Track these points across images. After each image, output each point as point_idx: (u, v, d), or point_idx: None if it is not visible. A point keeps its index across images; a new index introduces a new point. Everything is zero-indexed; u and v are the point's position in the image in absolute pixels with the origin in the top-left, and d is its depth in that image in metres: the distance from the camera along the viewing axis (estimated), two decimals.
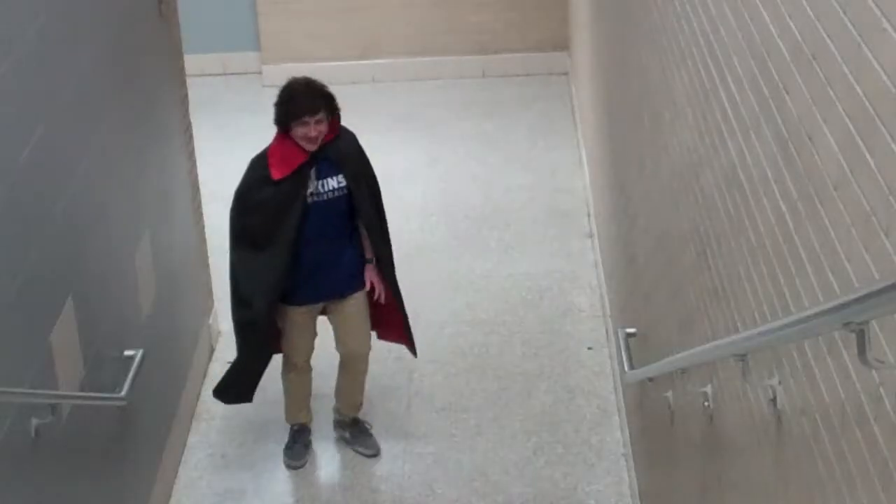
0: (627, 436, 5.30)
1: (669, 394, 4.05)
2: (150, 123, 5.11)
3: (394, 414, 5.61)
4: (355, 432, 5.39)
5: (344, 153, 4.86)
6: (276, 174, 4.76)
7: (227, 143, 8.32)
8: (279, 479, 5.26)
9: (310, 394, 5.33)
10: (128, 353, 4.46)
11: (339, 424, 5.42)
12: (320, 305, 5.08)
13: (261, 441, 5.48)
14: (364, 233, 5.00)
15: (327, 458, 5.39)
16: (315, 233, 4.83)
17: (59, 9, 3.86)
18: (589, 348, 6.07)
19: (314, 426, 5.43)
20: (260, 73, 9.33)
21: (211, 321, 6.10)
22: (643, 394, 4.79)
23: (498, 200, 7.53)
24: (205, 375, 5.91)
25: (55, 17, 3.81)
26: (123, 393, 4.23)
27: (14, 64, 3.40)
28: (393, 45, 9.24)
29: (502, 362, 5.98)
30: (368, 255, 5.03)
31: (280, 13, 9.13)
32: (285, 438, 5.40)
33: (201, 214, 6.02)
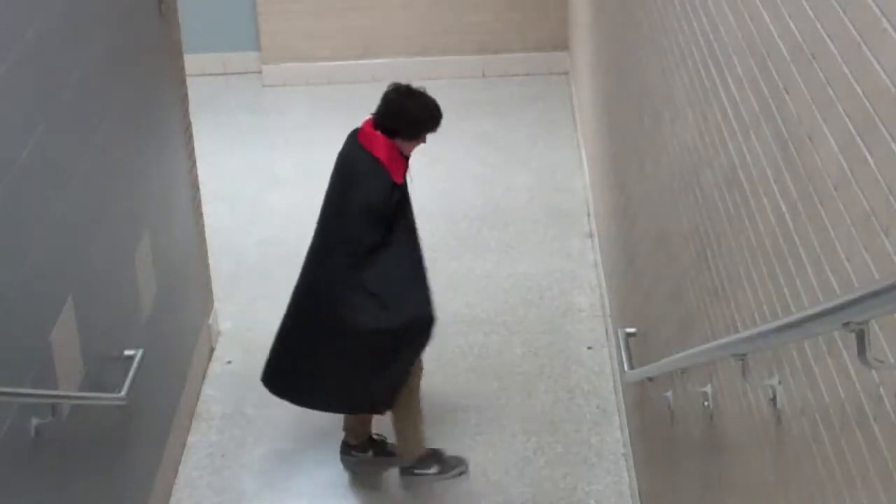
0: (627, 435, 5.30)
1: (669, 394, 4.05)
2: (149, 123, 5.11)
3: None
4: (376, 448, 5.32)
5: None
6: (399, 179, 4.71)
7: (227, 142, 8.34)
8: (279, 479, 5.27)
9: None
10: (128, 352, 4.46)
11: (360, 448, 5.30)
12: None
13: (261, 441, 5.48)
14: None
15: (327, 457, 5.39)
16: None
17: (58, 9, 3.86)
18: (589, 348, 6.07)
19: (315, 424, 5.44)
20: (260, 72, 9.33)
21: (211, 321, 6.10)
22: (643, 394, 4.79)
23: (498, 200, 7.53)
24: (204, 375, 5.91)
25: (55, 17, 3.81)
26: (123, 393, 4.23)
27: (14, 64, 3.40)
28: (393, 45, 9.25)
29: (502, 362, 5.98)
30: None
31: (280, 13, 9.13)
32: (284, 438, 5.42)
33: (201, 214, 6.02)
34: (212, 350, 6.09)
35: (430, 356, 5.86)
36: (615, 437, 5.43)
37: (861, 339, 1.80)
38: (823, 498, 2.23)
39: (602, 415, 5.59)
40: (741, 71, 2.99)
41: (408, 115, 4.68)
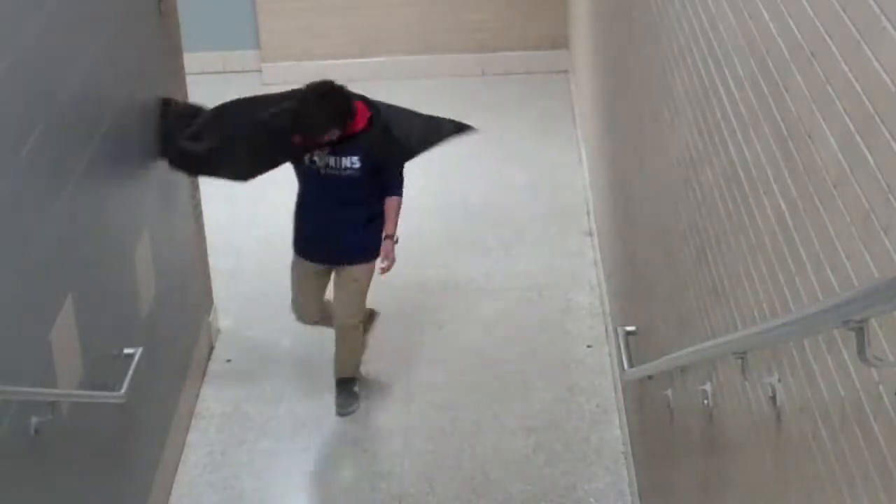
0: (627, 434, 5.30)
1: (669, 392, 4.05)
2: (149, 122, 5.10)
3: (393, 411, 5.61)
4: (339, 391, 5.63)
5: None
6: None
7: None
8: (279, 478, 5.27)
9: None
10: (127, 351, 4.45)
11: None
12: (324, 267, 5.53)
13: (261, 439, 5.48)
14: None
15: (326, 455, 5.40)
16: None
17: (58, 8, 3.85)
18: (588, 346, 6.07)
19: (314, 423, 5.43)
20: (260, 71, 9.33)
21: (210, 319, 6.10)
22: (643, 392, 4.80)
23: (498, 199, 7.53)
24: (204, 373, 5.91)
25: (55, 16, 3.80)
26: (123, 391, 4.23)
27: (14, 63, 3.40)
28: (392, 43, 9.24)
29: (502, 360, 5.98)
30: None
31: (280, 11, 9.13)
32: (284, 436, 5.43)
33: (201, 212, 6.02)
34: (211, 348, 6.09)
35: (430, 355, 5.88)
36: (615, 435, 5.43)
37: (860, 337, 1.80)
38: (823, 495, 2.23)
39: (602, 413, 5.59)
40: (741, 69, 2.99)
41: None
